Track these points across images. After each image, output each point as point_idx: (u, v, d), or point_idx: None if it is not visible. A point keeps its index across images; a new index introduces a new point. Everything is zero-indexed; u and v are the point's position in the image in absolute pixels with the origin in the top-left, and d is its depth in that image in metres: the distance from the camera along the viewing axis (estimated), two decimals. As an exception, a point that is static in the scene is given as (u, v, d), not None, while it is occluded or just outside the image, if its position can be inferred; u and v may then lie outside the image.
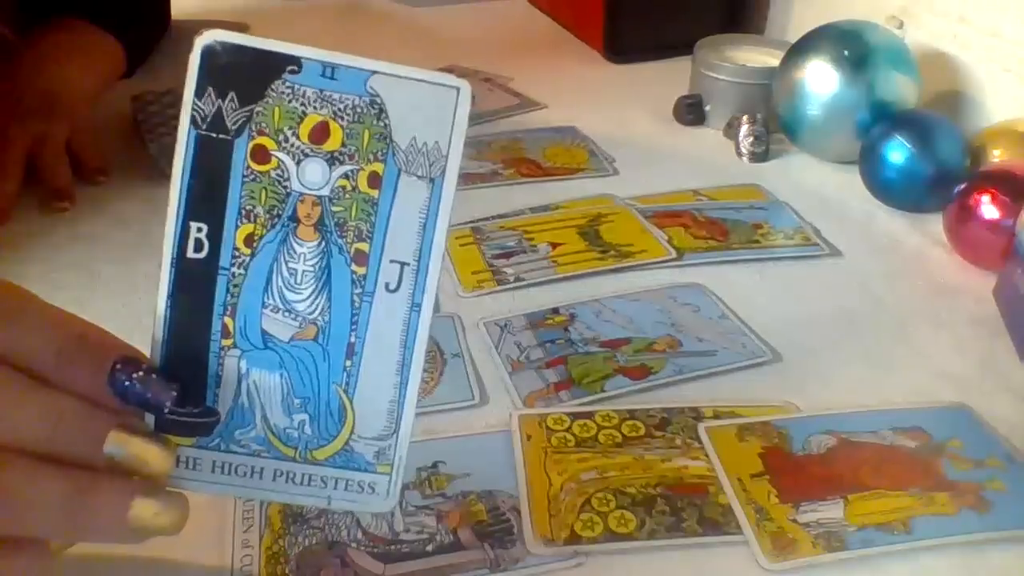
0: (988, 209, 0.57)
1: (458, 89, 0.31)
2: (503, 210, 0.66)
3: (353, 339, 0.32)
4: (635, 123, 0.81)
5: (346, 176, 0.31)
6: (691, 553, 0.40)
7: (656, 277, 0.59)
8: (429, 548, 0.39)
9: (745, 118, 0.74)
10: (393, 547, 0.39)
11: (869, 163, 0.66)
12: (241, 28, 0.93)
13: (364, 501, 0.34)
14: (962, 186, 0.59)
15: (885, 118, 0.66)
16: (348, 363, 0.33)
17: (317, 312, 0.32)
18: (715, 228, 0.64)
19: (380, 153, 0.31)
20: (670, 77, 0.86)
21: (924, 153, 0.63)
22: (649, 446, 0.45)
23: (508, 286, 0.57)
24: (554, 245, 0.61)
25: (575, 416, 0.47)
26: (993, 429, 0.46)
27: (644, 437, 0.45)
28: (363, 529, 0.40)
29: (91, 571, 0.39)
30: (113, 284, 0.57)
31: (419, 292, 0.32)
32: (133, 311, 0.54)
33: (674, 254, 0.61)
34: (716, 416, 0.47)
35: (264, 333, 0.32)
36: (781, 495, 0.42)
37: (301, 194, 0.31)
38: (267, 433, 0.33)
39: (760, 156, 0.74)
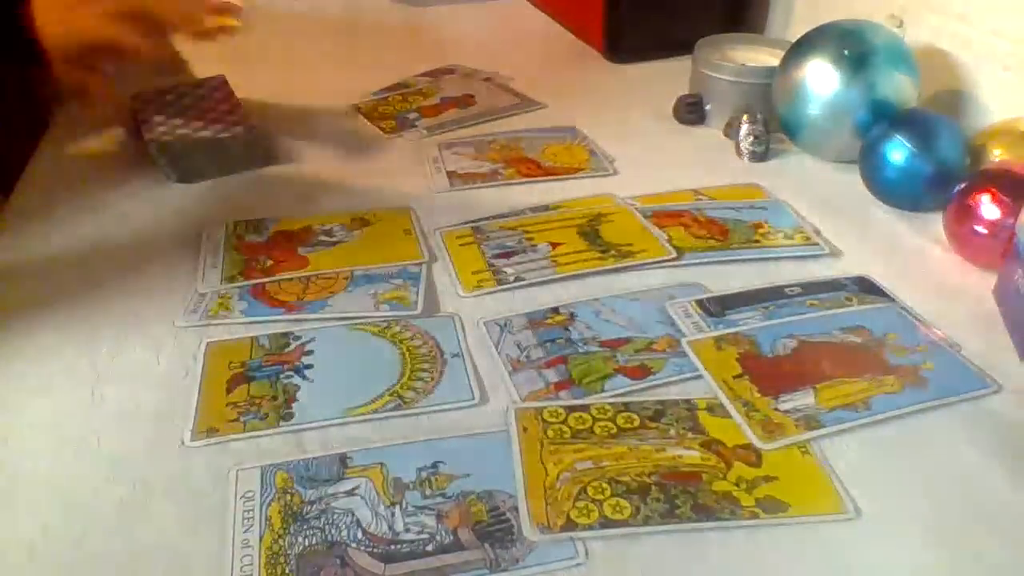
0: (988, 209, 0.57)
1: None
2: (503, 210, 0.66)
3: None
4: (635, 123, 0.81)
5: None
6: (686, 538, 0.40)
7: (656, 277, 0.59)
8: (429, 548, 0.39)
9: (745, 118, 0.74)
10: (393, 547, 0.39)
11: (869, 163, 0.66)
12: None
13: None
14: (962, 186, 0.59)
15: (885, 118, 0.66)
16: None
17: None
18: (715, 228, 0.64)
19: None
20: (670, 77, 0.86)
21: (924, 153, 0.63)
22: (643, 437, 0.45)
23: (508, 286, 0.57)
24: (554, 245, 0.61)
25: (571, 409, 0.47)
26: (918, 317, 0.54)
27: (638, 428, 0.46)
28: (363, 529, 0.40)
29: (91, 570, 0.39)
30: (113, 283, 0.57)
31: None
32: (133, 310, 0.54)
33: (674, 254, 0.60)
34: (709, 409, 0.47)
35: None
36: (761, 390, 0.48)
37: None
38: None
39: (760, 156, 0.74)
